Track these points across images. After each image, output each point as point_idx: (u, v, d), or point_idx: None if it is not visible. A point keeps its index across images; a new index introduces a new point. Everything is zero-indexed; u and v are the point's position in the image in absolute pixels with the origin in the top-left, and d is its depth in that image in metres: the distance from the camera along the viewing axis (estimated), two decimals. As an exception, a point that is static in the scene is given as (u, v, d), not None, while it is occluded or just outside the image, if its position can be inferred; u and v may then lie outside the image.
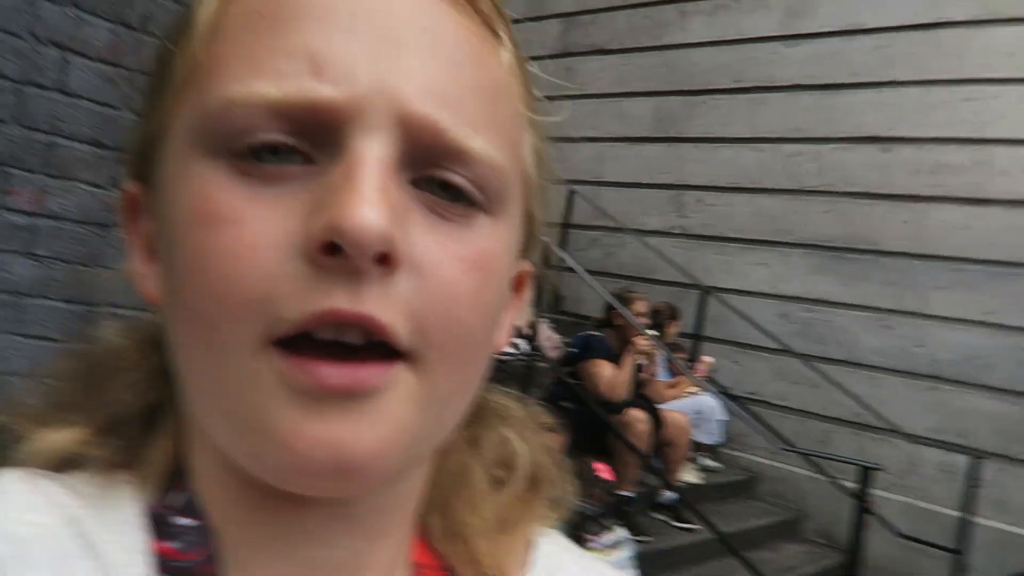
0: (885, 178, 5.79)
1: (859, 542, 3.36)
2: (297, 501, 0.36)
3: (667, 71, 6.97)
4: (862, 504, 3.32)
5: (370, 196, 0.31)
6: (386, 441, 0.33)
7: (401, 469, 0.36)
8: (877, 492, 5.25)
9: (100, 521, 0.36)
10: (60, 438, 0.38)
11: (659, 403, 4.76)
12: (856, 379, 5.58)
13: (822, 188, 6.10)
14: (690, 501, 4.17)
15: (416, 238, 0.33)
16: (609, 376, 4.29)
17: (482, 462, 0.46)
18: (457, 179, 0.34)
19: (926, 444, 5.18)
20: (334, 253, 0.30)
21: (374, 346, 0.32)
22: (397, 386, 0.33)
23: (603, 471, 3.71)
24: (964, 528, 4.61)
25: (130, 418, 0.39)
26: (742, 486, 5.65)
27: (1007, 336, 5.14)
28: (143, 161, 0.39)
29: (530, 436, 0.48)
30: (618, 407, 4.23)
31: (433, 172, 0.34)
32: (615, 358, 4.36)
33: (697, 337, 6.11)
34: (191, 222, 0.33)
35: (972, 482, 4.63)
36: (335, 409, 0.32)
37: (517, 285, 0.43)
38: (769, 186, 6.37)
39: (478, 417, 0.46)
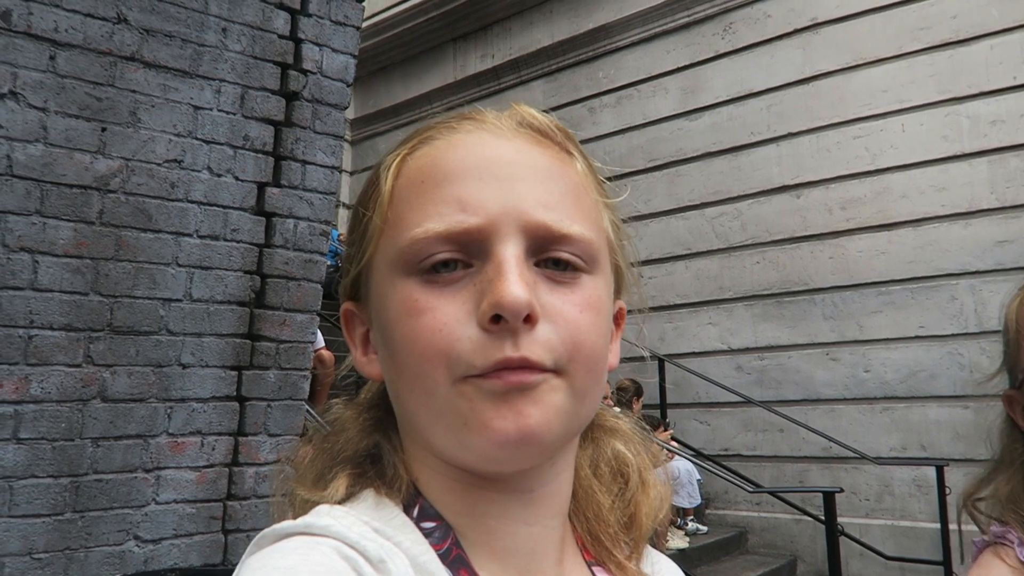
0: (803, 222, 6.19)
1: (836, 568, 3.49)
2: (499, 491, 0.53)
3: (586, 162, 7.40)
4: (831, 529, 3.47)
5: (514, 281, 0.47)
6: (548, 417, 0.49)
7: (560, 440, 0.52)
8: (857, 520, 5.42)
9: (391, 528, 0.51)
10: (337, 486, 0.54)
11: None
12: (816, 415, 5.80)
13: (749, 242, 6.48)
14: (681, 566, 4.26)
15: (545, 299, 0.50)
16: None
17: (603, 481, 0.62)
18: (564, 255, 0.51)
19: (893, 464, 5.37)
20: (498, 321, 0.47)
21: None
22: (550, 382, 0.49)
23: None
24: (944, 537, 4.77)
25: (361, 458, 0.57)
26: (733, 542, 5.72)
27: (941, 345, 5.44)
28: (354, 287, 0.58)
29: (636, 445, 0.65)
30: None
31: (549, 254, 0.51)
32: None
33: (663, 406, 6.30)
34: (402, 315, 0.50)
35: (942, 491, 4.81)
36: (513, 397, 0.48)
37: (617, 319, 0.61)
38: (702, 249, 6.72)
39: (595, 437, 0.63)
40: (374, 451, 0.57)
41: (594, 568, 0.59)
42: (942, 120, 5.64)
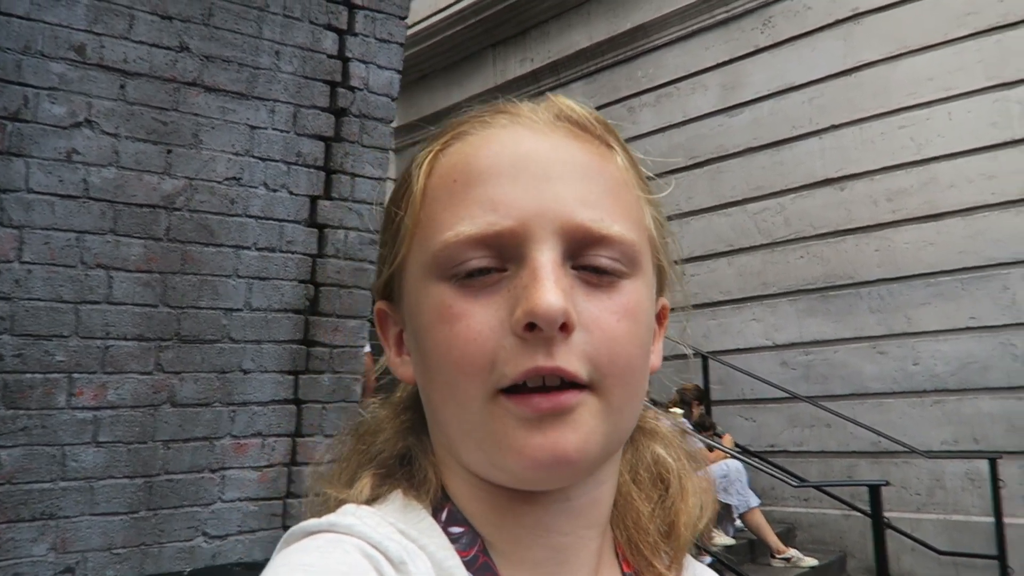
0: (847, 215, 6.13)
1: (883, 562, 3.50)
2: (533, 502, 0.50)
3: (627, 161, 7.43)
4: (877, 522, 3.48)
5: (550, 288, 0.45)
6: (583, 441, 0.47)
7: (598, 461, 0.50)
8: (908, 515, 5.37)
9: (417, 530, 0.50)
10: (361, 487, 0.54)
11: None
12: (864, 409, 5.75)
13: (793, 236, 6.44)
14: (728, 563, 4.30)
15: (581, 305, 0.47)
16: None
17: (643, 488, 0.59)
18: (604, 262, 0.49)
19: (944, 457, 5.30)
20: (532, 329, 0.45)
21: (566, 384, 0.47)
22: (585, 404, 0.47)
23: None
24: (998, 531, 4.70)
25: (391, 460, 0.56)
26: (780, 539, 5.71)
27: (994, 336, 5.35)
28: (387, 287, 0.56)
29: (675, 447, 0.62)
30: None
31: (587, 258, 0.48)
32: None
33: (707, 404, 6.30)
34: (435, 321, 0.48)
35: (995, 485, 4.75)
36: (547, 423, 0.46)
37: (660, 318, 0.58)
38: (745, 245, 6.70)
39: (634, 440, 0.60)
40: (405, 453, 0.56)
41: None
42: (990, 106, 5.53)
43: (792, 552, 5.23)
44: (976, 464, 5.14)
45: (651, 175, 0.58)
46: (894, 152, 5.92)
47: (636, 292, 0.50)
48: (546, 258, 0.47)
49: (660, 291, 0.57)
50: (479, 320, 0.47)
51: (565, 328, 0.46)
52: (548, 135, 0.51)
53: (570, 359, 0.46)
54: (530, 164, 0.49)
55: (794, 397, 5.95)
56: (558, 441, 0.46)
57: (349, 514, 0.49)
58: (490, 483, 0.50)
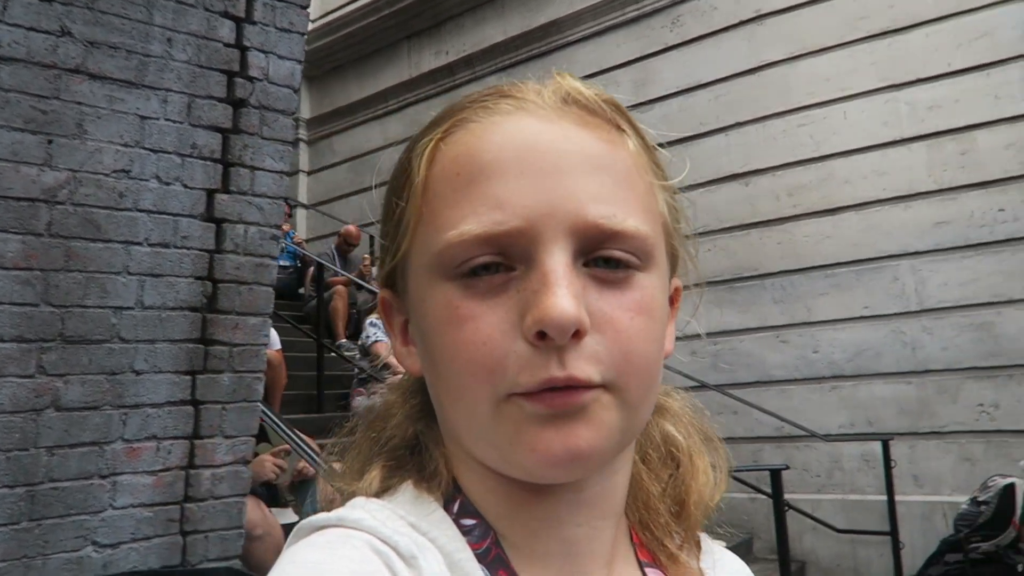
0: (751, 209, 6.35)
1: (784, 542, 3.65)
2: (545, 494, 0.49)
3: (541, 155, 7.50)
4: (778, 505, 3.62)
5: (562, 295, 0.43)
6: (598, 437, 0.46)
7: (613, 455, 0.49)
8: (810, 496, 5.62)
9: (427, 523, 0.49)
10: (371, 479, 0.53)
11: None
12: (769, 396, 5.97)
13: (701, 230, 6.59)
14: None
15: (594, 304, 0.46)
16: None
17: (652, 468, 0.59)
18: (617, 254, 0.47)
19: (841, 440, 5.58)
20: (544, 337, 0.44)
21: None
22: (600, 400, 0.46)
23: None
24: (891, 509, 4.97)
25: (402, 449, 0.55)
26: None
27: (885, 324, 5.65)
28: (391, 277, 0.54)
29: (685, 424, 0.61)
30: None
31: (600, 253, 0.47)
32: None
33: (621, 391, 6.42)
34: (442, 323, 0.47)
35: (887, 465, 5.01)
36: (560, 420, 0.45)
37: (672, 299, 0.58)
38: (656, 238, 6.85)
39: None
40: (414, 442, 0.55)
41: (648, 569, 0.56)
42: (882, 107, 5.82)
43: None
44: (870, 446, 5.41)
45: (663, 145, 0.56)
46: (794, 149, 6.16)
47: (650, 286, 0.49)
48: (557, 261, 0.45)
49: (673, 272, 0.56)
50: (488, 323, 0.45)
51: (578, 335, 0.44)
52: (556, 122, 0.48)
53: (582, 366, 0.45)
54: (537, 157, 0.47)
55: (703, 386, 6.12)
56: (571, 437, 0.45)
57: (358, 508, 0.48)
58: (502, 475, 0.49)
